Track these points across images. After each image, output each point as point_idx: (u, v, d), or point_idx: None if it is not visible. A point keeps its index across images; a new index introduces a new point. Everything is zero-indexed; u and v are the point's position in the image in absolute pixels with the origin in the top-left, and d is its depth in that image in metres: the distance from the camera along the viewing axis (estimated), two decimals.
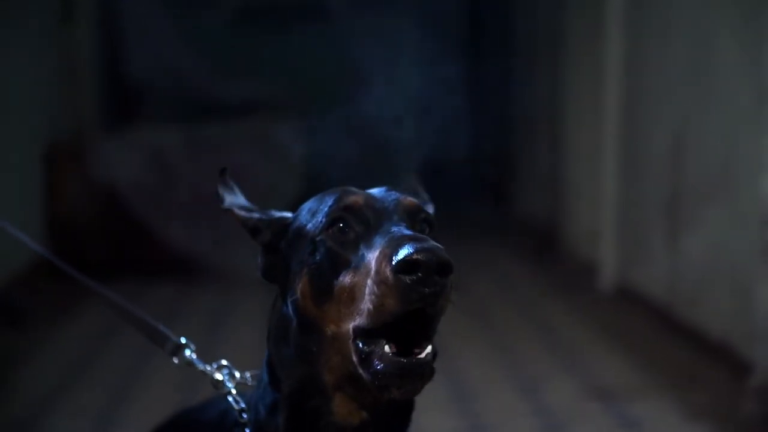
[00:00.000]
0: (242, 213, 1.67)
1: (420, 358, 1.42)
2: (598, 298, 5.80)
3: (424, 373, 1.42)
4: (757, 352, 3.73)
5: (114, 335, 5.15)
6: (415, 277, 1.37)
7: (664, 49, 5.13)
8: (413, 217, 1.54)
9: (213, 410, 1.80)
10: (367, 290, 1.41)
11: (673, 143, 4.96)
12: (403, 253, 1.37)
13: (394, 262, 1.37)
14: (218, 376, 1.79)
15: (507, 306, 5.79)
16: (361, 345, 1.43)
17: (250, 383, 1.77)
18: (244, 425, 1.65)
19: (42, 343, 4.99)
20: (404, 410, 1.58)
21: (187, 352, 1.88)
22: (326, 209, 1.53)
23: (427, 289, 1.37)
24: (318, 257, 1.50)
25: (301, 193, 6.46)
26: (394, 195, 1.56)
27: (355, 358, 1.44)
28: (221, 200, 1.69)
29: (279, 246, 1.61)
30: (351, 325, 1.44)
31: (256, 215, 1.66)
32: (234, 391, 1.75)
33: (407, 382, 1.42)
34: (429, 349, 1.43)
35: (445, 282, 1.39)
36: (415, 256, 1.36)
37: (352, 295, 1.44)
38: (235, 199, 1.70)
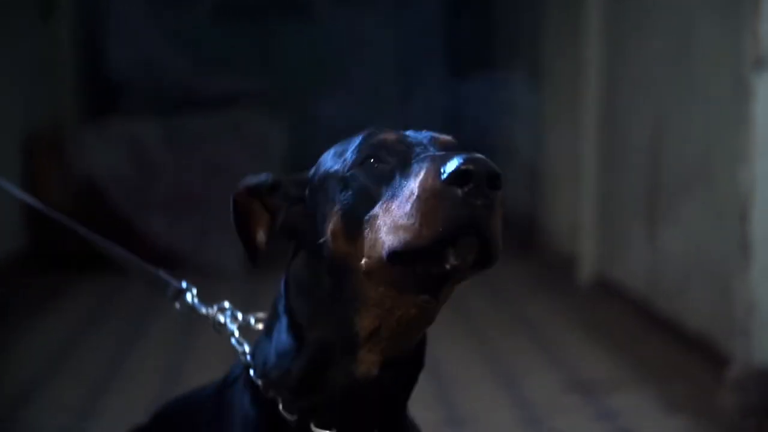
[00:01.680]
0: (252, 181, 1.61)
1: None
2: (577, 292, 5.81)
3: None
4: (735, 345, 3.75)
5: (93, 329, 5.13)
6: (467, 189, 1.31)
7: (644, 42, 5.14)
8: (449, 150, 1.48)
9: (210, 387, 1.77)
10: (410, 211, 1.34)
11: (653, 136, 4.97)
12: (453, 163, 1.31)
13: (444, 174, 1.31)
14: (220, 319, 1.77)
15: (486, 299, 5.79)
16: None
17: (253, 326, 1.75)
18: (248, 368, 1.61)
19: (20, 337, 4.97)
20: (416, 368, 1.57)
21: (188, 297, 1.87)
22: (355, 146, 1.49)
23: (479, 201, 1.31)
24: (350, 193, 1.45)
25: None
26: (426, 133, 1.52)
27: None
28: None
29: (302, 197, 1.56)
30: (387, 250, 1.38)
31: (268, 178, 1.61)
32: (237, 333, 1.73)
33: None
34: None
35: (496, 195, 1.33)
36: (466, 166, 1.30)
37: (389, 223, 1.38)
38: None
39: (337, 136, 1.60)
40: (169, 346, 4.76)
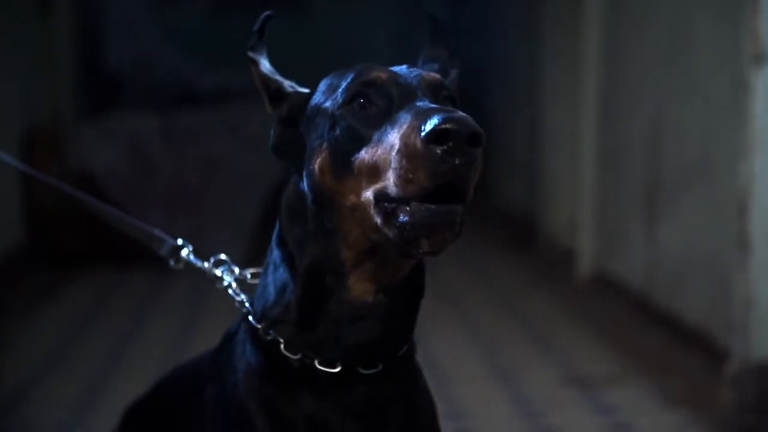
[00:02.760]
0: (267, 72, 1.64)
1: (451, 205, 1.37)
2: (575, 287, 5.81)
3: (454, 221, 1.38)
4: (733, 341, 3.75)
5: (91, 325, 5.13)
6: (446, 147, 1.33)
7: (642, 37, 5.14)
8: (437, 93, 1.51)
9: (209, 350, 1.79)
10: (392, 164, 1.37)
11: (652, 132, 4.97)
12: (432, 122, 1.33)
13: (423, 133, 1.34)
14: (217, 272, 1.79)
15: (484, 295, 5.80)
16: (385, 204, 1.39)
17: (249, 280, 1.77)
18: (247, 315, 1.63)
19: (18, 332, 4.97)
20: (415, 295, 1.57)
21: (184, 252, 1.89)
22: (346, 84, 1.50)
23: (458, 160, 1.34)
24: (338, 132, 1.47)
25: (278, 182, 6.48)
26: (416, 71, 1.54)
27: (378, 219, 1.41)
28: (251, 48, 1.66)
29: (296, 120, 1.59)
30: (373, 192, 1.41)
31: (279, 79, 1.64)
32: (234, 285, 1.75)
33: (438, 231, 1.38)
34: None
35: (476, 153, 1.35)
36: (445, 126, 1.33)
37: (375, 169, 1.41)
38: (263, 61, 1.66)
39: None
40: (168, 342, 4.76)
